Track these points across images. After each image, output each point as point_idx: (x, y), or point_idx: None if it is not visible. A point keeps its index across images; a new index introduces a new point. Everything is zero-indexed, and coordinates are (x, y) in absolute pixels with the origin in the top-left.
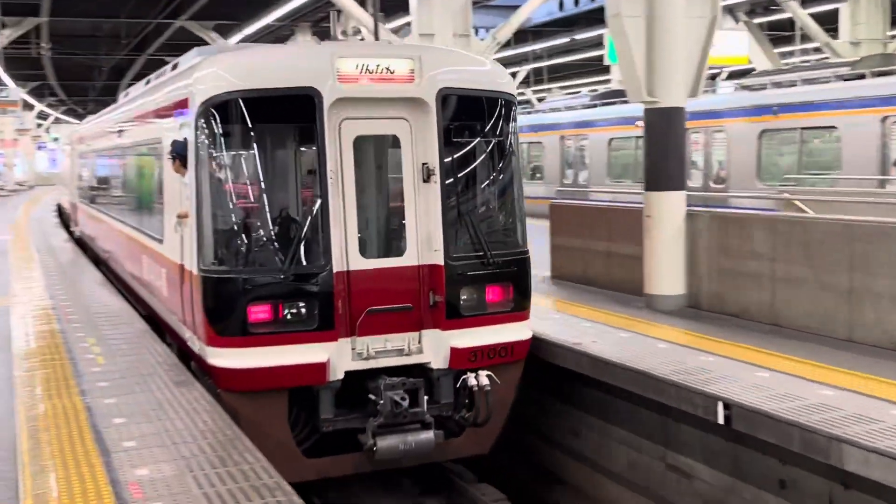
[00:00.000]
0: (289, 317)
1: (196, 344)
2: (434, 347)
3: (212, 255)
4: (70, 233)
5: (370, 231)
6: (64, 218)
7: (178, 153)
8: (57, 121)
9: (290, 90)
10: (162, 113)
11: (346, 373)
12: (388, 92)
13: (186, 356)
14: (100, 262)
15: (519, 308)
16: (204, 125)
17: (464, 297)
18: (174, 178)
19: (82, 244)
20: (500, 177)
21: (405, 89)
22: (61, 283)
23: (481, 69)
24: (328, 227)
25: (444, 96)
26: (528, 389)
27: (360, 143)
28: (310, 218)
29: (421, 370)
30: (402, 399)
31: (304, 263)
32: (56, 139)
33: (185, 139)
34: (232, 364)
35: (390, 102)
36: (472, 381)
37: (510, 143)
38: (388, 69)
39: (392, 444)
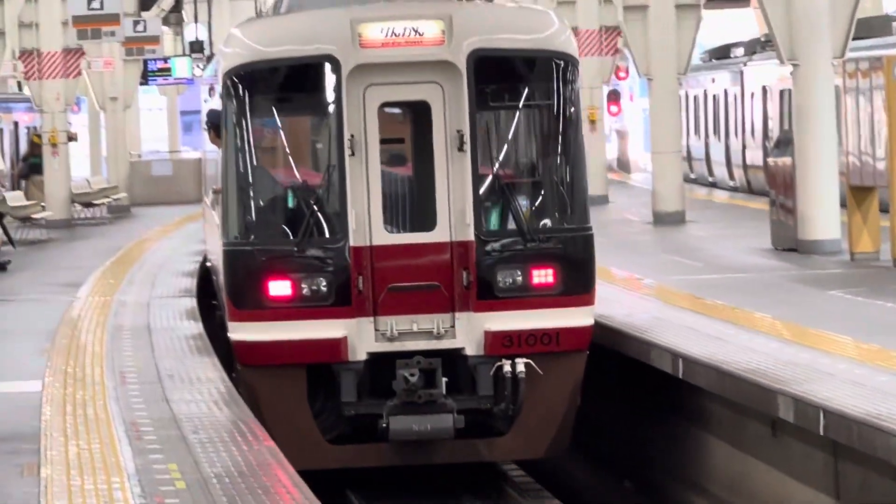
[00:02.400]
0: (305, 292)
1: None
2: (467, 331)
3: (235, 229)
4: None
5: (397, 204)
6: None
7: (212, 123)
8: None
9: (307, 58)
10: None
11: (372, 355)
12: (414, 56)
13: None
14: None
15: (571, 291)
16: (225, 95)
17: (500, 276)
18: None
19: None
20: (548, 145)
21: (433, 52)
22: None
23: (526, 26)
24: (345, 200)
25: (477, 58)
26: None
27: (386, 109)
28: (326, 190)
29: (457, 357)
30: (412, 375)
31: (318, 237)
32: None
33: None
34: (248, 337)
35: (420, 66)
36: (506, 367)
37: (562, 107)
38: (416, 31)
39: (405, 424)
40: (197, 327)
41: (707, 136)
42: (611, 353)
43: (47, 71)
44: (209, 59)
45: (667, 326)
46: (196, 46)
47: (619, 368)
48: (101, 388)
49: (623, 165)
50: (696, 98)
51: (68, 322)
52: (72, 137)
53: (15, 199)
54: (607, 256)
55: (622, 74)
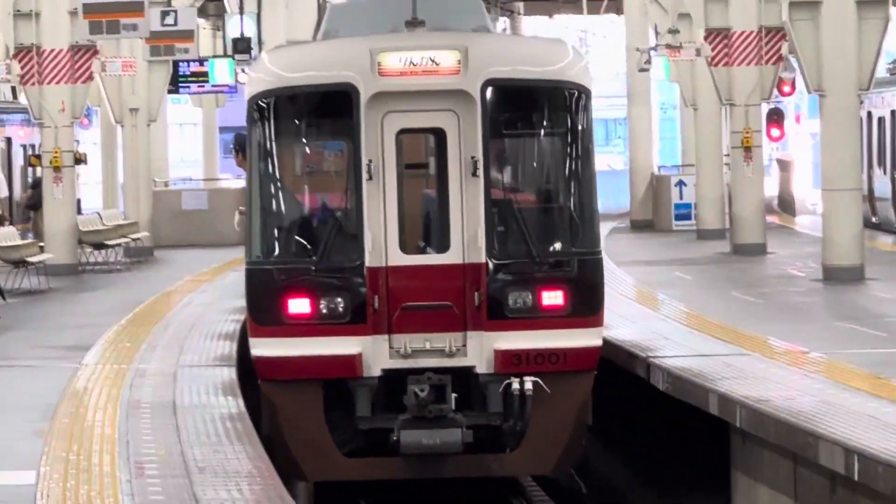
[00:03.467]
0: (323, 310)
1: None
2: (478, 350)
3: (258, 248)
4: None
5: (412, 227)
6: None
7: (239, 145)
8: None
9: (328, 86)
10: None
11: (387, 372)
12: (430, 85)
13: None
14: None
15: (580, 313)
16: (250, 120)
17: (510, 297)
18: None
19: None
20: (559, 172)
21: (448, 81)
22: None
23: (540, 57)
24: (362, 223)
25: (491, 87)
26: None
27: (403, 136)
28: (345, 213)
29: (468, 376)
30: (422, 391)
31: (337, 258)
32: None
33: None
34: (268, 353)
35: (436, 95)
36: (515, 385)
37: (574, 135)
38: (433, 60)
39: (415, 438)
40: (237, 405)
41: (895, 169)
42: (770, 444)
43: (50, 74)
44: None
45: (839, 413)
46: (241, 45)
47: (775, 462)
48: (111, 481)
49: (786, 205)
50: (881, 120)
51: (72, 396)
52: (80, 159)
53: (6, 236)
54: (764, 323)
55: (786, 89)
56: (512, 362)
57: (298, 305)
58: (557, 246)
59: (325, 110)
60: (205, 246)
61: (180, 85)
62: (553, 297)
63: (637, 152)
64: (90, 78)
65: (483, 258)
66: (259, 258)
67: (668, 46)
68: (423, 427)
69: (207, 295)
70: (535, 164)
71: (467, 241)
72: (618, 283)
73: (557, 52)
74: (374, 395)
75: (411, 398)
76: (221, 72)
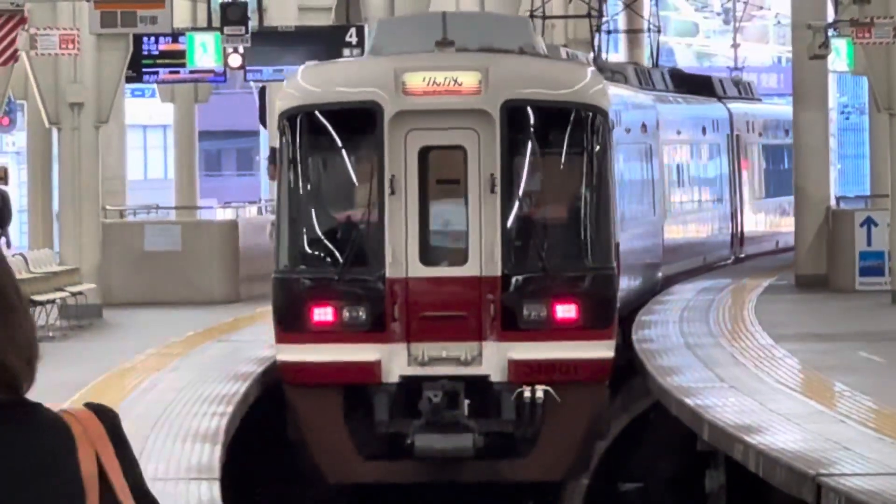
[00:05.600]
0: (345, 318)
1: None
2: (493, 359)
3: (285, 258)
4: None
5: (432, 241)
6: None
7: (270, 160)
8: None
9: (354, 103)
10: None
11: (405, 378)
12: (452, 104)
13: None
14: None
15: (592, 326)
16: (280, 134)
17: (525, 309)
18: None
19: None
20: (575, 190)
21: (469, 101)
22: None
23: (558, 79)
24: (383, 236)
25: (510, 108)
26: None
27: (426, 152)
28: (367, 227)
29: (483, 384)
30: (435, 396)
31: (358, 268)
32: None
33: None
34: (292, 358)
35: (458, 113)
36: (527, 393)
37: (589, 154)
38: (455, 81)
39: (429, 442)
40: None
41: None
42: None
43: None
44: (257, 36)
45: None
46: (233, 14)
47: None
48: None
49: None
50: None
51: None
52: None
53: None
54: None
55: None
56: (525, 372)
57: (322, 314)
58: (571, 261)
59: (350, 127)
60: (177, 304)
61: (144, 70)
62: (566, 311)
63: (806, 176)
64: (13, 59)
65: (499, 271)
66: (286, 267)
67: (854, 23)
68: (437, 432)
69: (179, 375)
70: (551, 183)
71: (484, 255)
72: (776, 367)
73: (575, 75)
74: (391, 400)
75: (426, 404)
76: (204, 51)
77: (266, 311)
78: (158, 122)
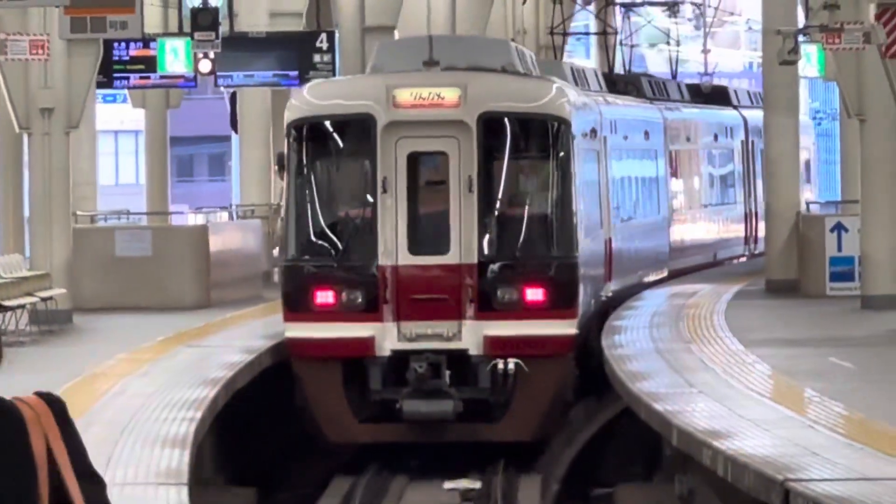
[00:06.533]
0: (344, 300)
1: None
2: (471, 336)
3: (292, 249)
4: None
5: (419, 233)
6: None
7: (278, 164)
8: None
9: (351, 115)
10: None
11: (395, 352)
12: (435, 115)
13: None
14: None
15: (557, 307)
16: (288, 142)
17: (499, 293)
18: None
19: None
20: (542, 189)
21: (450, 113)
22: None
23: (527, 94)
24: (376, 229)
25: (485, 119)
26: None
27: (414, 157)
28: (363, 221)
29: (462, 357)
30: (420, 367)
31: (355, 257)
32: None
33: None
34: (298, 335)
35: (440, 124)
36: (500, 365)
37: (554, 158)
38: (438, 95)
39: (415, 407)
40: None
41: None
42: None
43: None
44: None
45: None
46: (204, 19)
47: None
48: None
49: None
50: None
51: None
52: None
53: None
54: None
55: None
56: (499, 346)
57: (324, 296)
58: (539, 251)
59: (348, 135)
60: (148, 309)
61: (115, 76)
62: (535, 294)
63: (776, 182)
64: None
65: (476, 259)
66: (293, 257)
67: (824, 29)
68: (422, 398)
69: (149, 381)
70: (521, 183)
71: (463, 245)
72: (745, 372)
73: (543, 90)
74: (383, 371)
75: (412, 374)
76: (175, 57)
77: (236, 317)
78: (130, 127)
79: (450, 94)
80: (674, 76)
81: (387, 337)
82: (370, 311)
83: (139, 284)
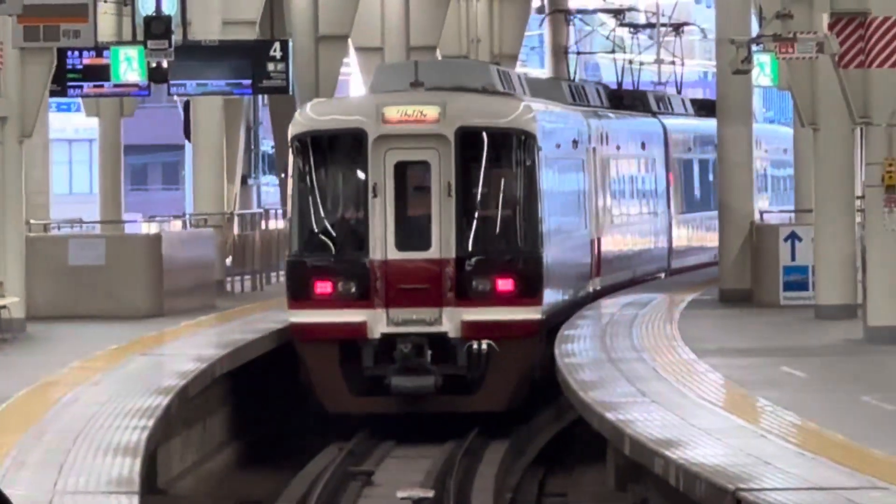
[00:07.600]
0: (340, 290)
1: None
2: (450, 320)
3: (296, 246)
4: None
5: (405, 232)
6: None
7: (283, 172)
8: None
9: (345, 129)
10: None
11: (384, 335)
12: (419, 130)
13: None
14: None
15: (524, 295)
16: (292, 152)
17: (474, 283)
18: None
19: None
20: (511, 194)
21: (432, 128)
22: None
23: (498, 110)
24: (368, 228)
25: (462, 133)
26: None
27: (400, 166)
28: (356, 222)
29: (443, 339)
30: (405, 348)
31: (350, 253)
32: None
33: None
34: (301, 320)
35: (423, 137)
36: (475, 346)
37: (521, 167)
38: (421, 112)
39: (402, 382)
40: None
41: None
42: None
43: None
44: (181, 49)
45: None
46: (157, 28)
47: None
48: None
49: None
50: None
51: None
52: None
53: None
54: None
55: None
56: (474, 329)
57: (322, 287)
58: (508, 247)
59: (343, 147)
60: (101, 318)
61: (69, 84)
62: (505, 284)
63: (729, 191)
64: None
65: (454, 254)
66: (296, 253)
67: (777, 38)
68: (408, 374)
69: (102, 389)
70: (493, 188)
71: (443, 242)
72: (698, 382)
73: (511, 106)
74: (374, 351)
75: (399, 354)
76: (128, 65)
77: (189, 326)
78: (84, 136)
79: (431, 112)
80: (619, 84)
81: (377, 321)
82: (363, 299)
83: (92, 293)
